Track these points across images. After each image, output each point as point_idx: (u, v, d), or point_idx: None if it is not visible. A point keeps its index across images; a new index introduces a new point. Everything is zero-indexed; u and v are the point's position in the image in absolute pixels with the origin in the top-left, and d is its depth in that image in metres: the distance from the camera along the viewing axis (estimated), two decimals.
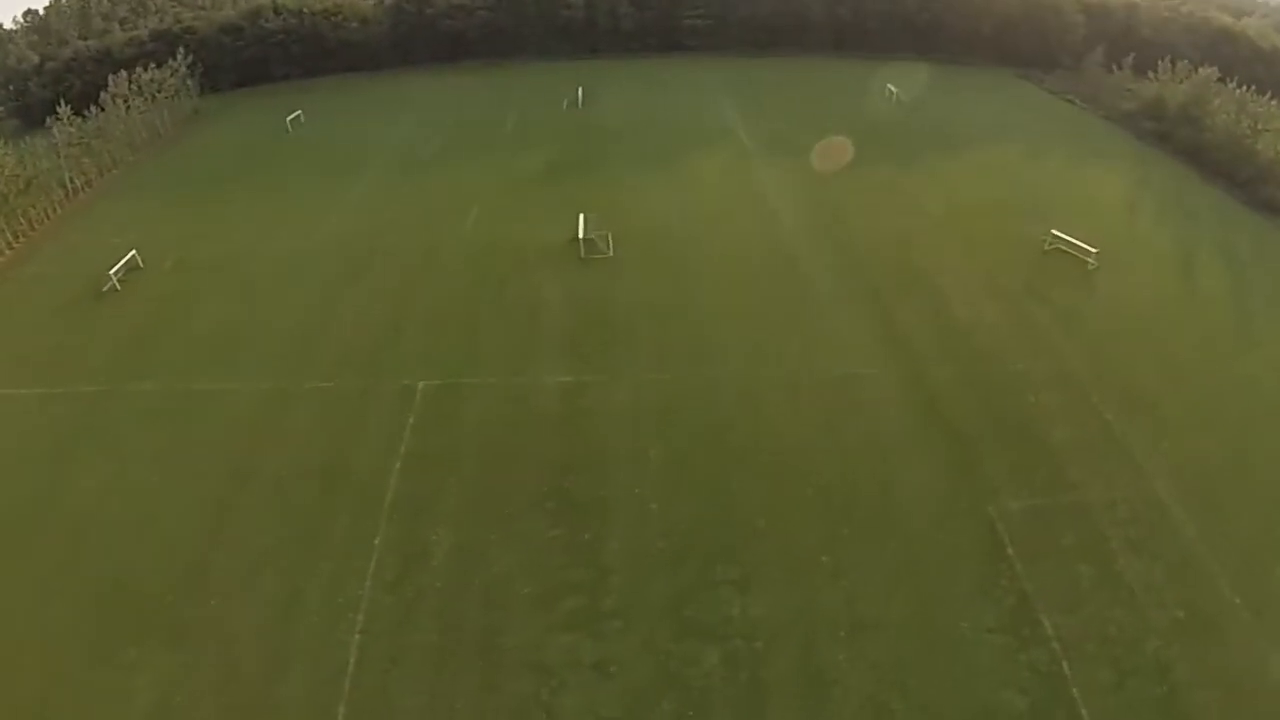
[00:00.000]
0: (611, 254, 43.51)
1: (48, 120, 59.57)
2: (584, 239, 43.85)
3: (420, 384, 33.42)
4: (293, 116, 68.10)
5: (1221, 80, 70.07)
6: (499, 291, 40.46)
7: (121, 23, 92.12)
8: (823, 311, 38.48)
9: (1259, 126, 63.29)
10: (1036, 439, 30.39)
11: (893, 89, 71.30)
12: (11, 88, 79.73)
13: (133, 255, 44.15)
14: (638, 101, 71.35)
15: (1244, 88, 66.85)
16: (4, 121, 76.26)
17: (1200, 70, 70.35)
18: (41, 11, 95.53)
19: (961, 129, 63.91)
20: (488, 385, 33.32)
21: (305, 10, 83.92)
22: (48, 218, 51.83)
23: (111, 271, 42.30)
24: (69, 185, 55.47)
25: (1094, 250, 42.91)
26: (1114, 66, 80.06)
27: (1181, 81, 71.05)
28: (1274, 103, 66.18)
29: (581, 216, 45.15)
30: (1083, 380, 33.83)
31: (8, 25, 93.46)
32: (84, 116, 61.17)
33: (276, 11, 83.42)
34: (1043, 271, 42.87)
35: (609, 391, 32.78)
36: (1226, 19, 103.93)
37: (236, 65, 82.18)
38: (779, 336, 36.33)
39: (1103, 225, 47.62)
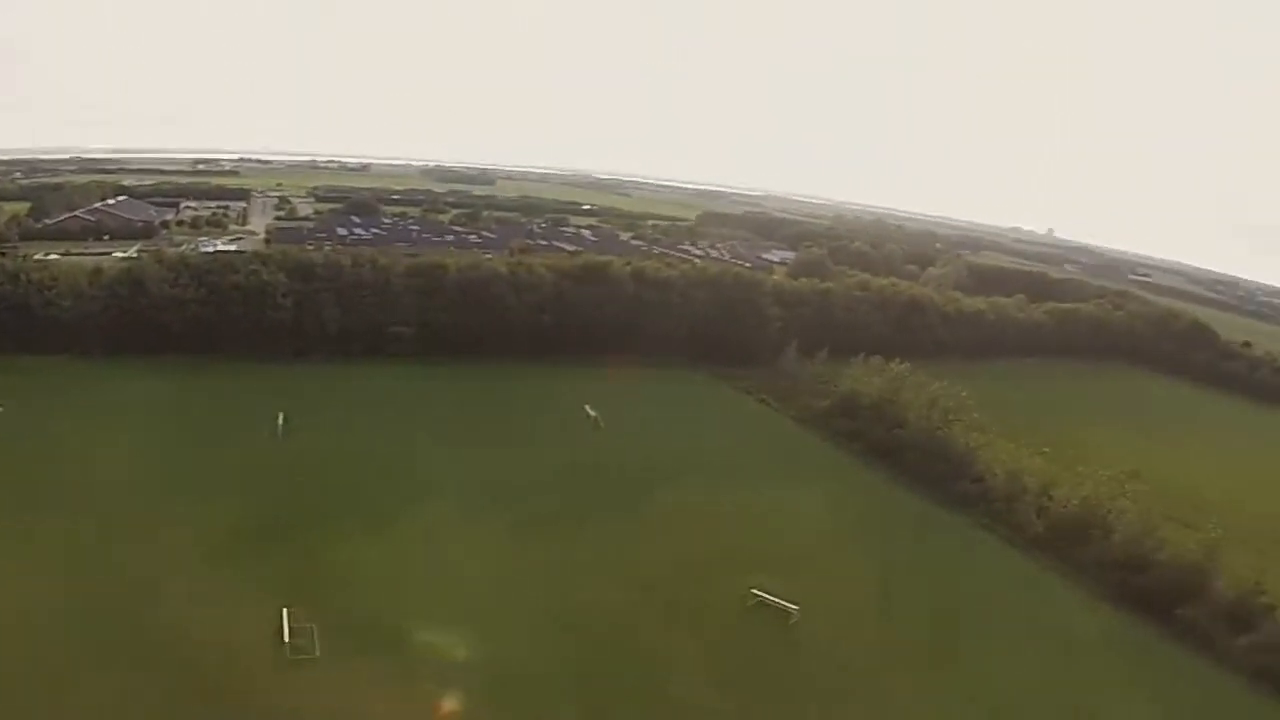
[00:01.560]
0: (319, 655, 36.10)
1: None
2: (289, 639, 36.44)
3: None
4: None
5: (909, 366, 75.09)
6: None
7: None
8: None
9: (950, 419, 69.33)
10: None
11: (591, 412, 70.60)
12: None
13: None
14: (343, 426, 64.87)
15: (938, 382, 71.70)
16: None
17: (894, 364, 75.74)
18: None
19: (659, 460, 63.61)
20: None
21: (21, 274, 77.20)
22: None
23: None
24: None
25: (795, 607, 43.78)
26: (810, 359, 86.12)
27: (875, 376, 75.69)
28: (963, 392, 71.82)
29: (285, 610, 37.92)
30: None
31: None
32: None
33: None
34: (746, 632, 42.82)
35: None
36: (916, 290, 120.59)
37: None
38: None
39: (803, 567, 49.16)
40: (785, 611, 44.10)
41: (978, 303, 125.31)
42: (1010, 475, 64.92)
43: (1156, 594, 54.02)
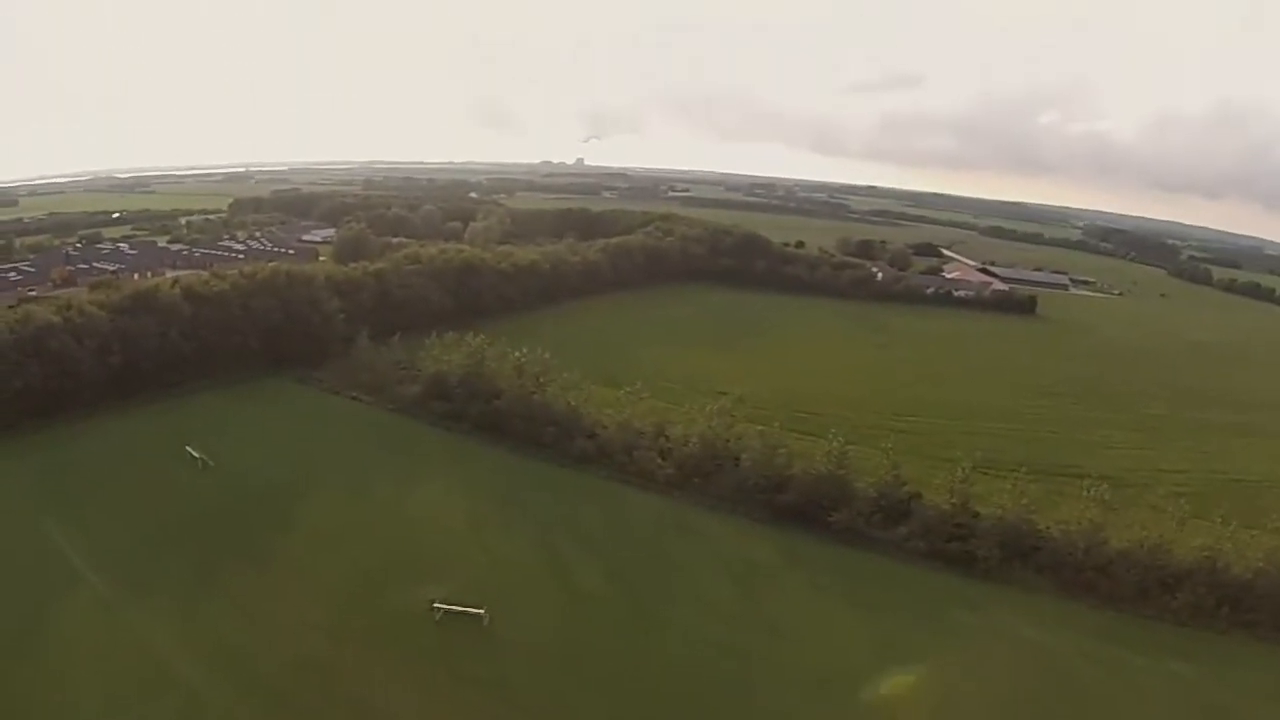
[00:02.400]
0: None
1: None
2: None
3: None
4: None
5: (485, 336, 73.95)
6: None
7: None
8: None
9: (542, 381, 68.99)
10: None
11: (194, 453, 59.64)
12: None
13: None
14: None
15: (518, 350, 70.39)
16: None
17: (470, 337, 74.10)
18: None
19: (280, 487, 56.61)
20: None
21: None
22: None
23: None
24: None
25: (481, 610, 42.58)
26: (384, 345, 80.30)
27: (454, 353, 73.21)
28: (549, 355, 71.28)
29: None
30: None
31: None
32: None
33: None
34: (446, 650, 40.54)
35: None
36: (468, 253, 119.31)
37: None
38: None
39: (470, 565, 48.02)
40: (475, 616, 42.53)
41: (530, 254, 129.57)
42: (621, 425, 65.37)
43: (805, 507, 57.06)
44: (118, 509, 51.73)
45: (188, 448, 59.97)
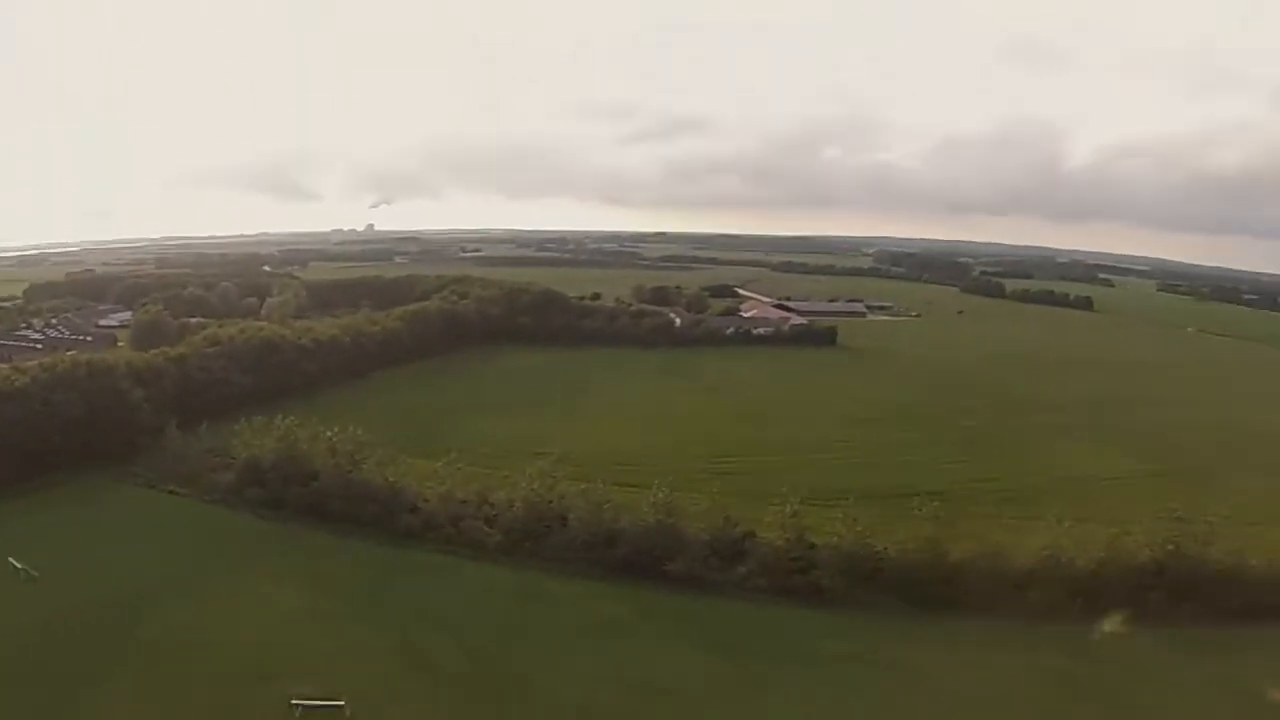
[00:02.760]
0: None
1: None
2: None
3: None
4: None
5: (294, 418, 75.29)
6: None
7: None
8: None
9: (357, 459, 70.46)
10: None
11: (16, 564, 57.69)
12: None
13: None
14: None
15: (330, 429, 71.81)
16: None
17: (279, 419, 75.12)
18: None
19: (107, 597, 54.35)
20: None
21: None
22: None
23: None
24: None
25: (341, 702, 42.84)
26: (192, 433, 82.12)
27: (265, 437, 74.49)
28: (360, 432, 72.51)
29: None
30: None
31: None
32: None
33: None
34: None
35: None
36: (267, 330, 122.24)
37: None
38: None
39: (323, 656, 47.94)
40: (336, 709, 42.92)
41: (330, 328, 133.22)
42: (443, 496, 66.89)
43: (639, 559, 58.83)
44: None
45: (10, 559, 57.94)
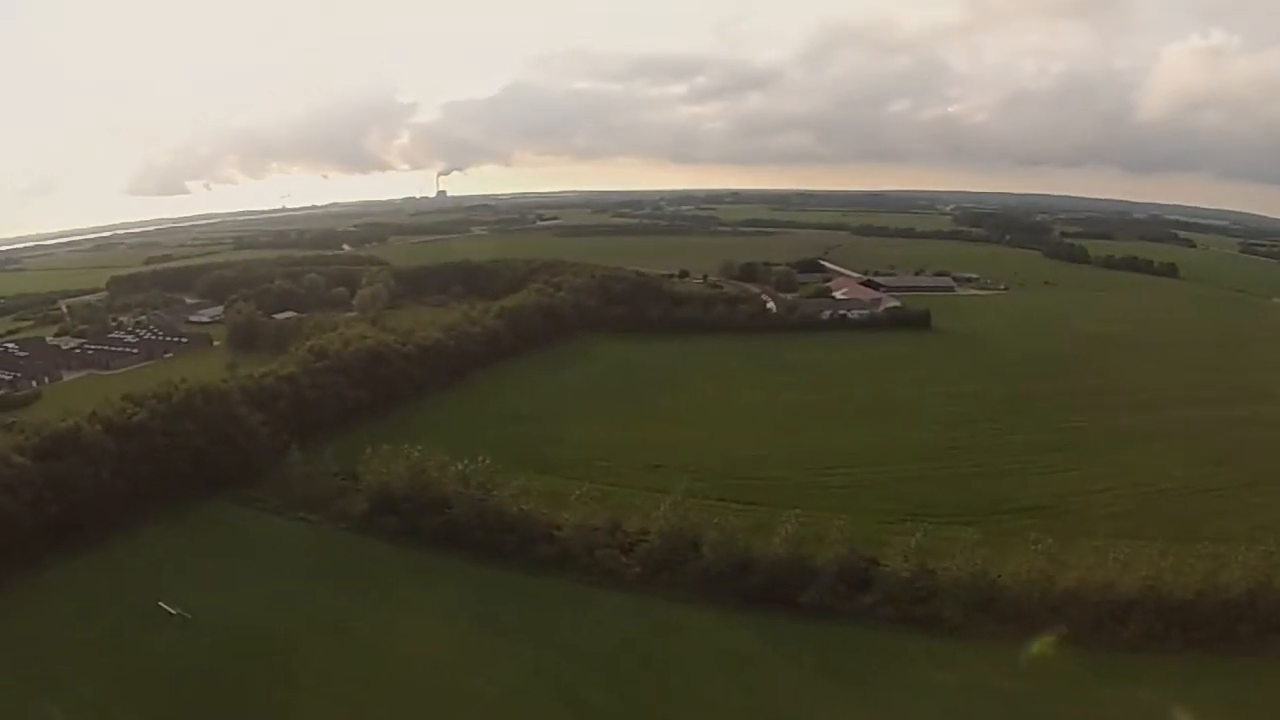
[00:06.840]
0: None
1: None
2: None
3: None
4: None
5: (422, 447, 73.71)
6: None
7: None
8: None
9: (489, 488, 69.59)
10: None
11: (169, 609, 57.60)
12: None
13: None
14: None
15: (460, 463, 70.71)
16: None
17: (407, 448, 73.93)
18: None
19: (257, 634, 55.97)
20: None
21: None
22: None
23: None
24: None
25: None
26: (315, 453, 79.91)
27: (394, 463, 73.51)
28: (485, 461, 72.00)
29: None
30: None
31: None
32: None
33: None
34: None
35: None
36: (371, 339, 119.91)
37: None
38: None
39: (486, 695, 49.09)
40: None
41: (432, 330, 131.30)
42: (577, 526, 66.42)
43: (771, 588, 59.43)
44: (114, 679, 51.47)
45: (161, 603, 58.11)
